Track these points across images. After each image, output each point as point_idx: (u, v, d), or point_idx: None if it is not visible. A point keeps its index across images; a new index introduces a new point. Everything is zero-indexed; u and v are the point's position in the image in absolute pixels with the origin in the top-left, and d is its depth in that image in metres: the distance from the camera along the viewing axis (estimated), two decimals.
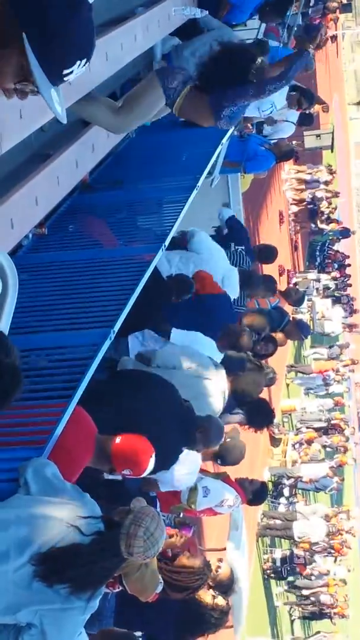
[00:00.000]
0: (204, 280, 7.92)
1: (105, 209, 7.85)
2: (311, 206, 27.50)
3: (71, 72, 2.36)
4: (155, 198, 8.04)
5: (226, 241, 9.52)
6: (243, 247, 9.80)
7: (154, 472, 5.64)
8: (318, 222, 28.30)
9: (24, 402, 4.76)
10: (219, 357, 7.40)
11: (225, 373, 7.11)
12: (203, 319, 7.65)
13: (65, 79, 2.38)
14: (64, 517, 4.16)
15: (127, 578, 5.62)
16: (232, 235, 9.79)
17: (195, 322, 7.51)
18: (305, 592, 22.92)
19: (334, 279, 29.42)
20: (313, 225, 28.38)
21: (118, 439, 5.05)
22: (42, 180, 5.86)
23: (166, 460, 6.06)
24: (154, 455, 5.14)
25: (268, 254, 10.90)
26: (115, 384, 6.30)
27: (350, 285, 31.98)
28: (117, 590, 5.60)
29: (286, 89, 9.82)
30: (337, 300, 30.30)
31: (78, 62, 2.36)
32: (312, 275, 28.25)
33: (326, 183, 28.03)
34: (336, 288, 30.65)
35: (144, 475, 5.24)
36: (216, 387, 6.96)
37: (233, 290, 8.60)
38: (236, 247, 9.60)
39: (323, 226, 28.65)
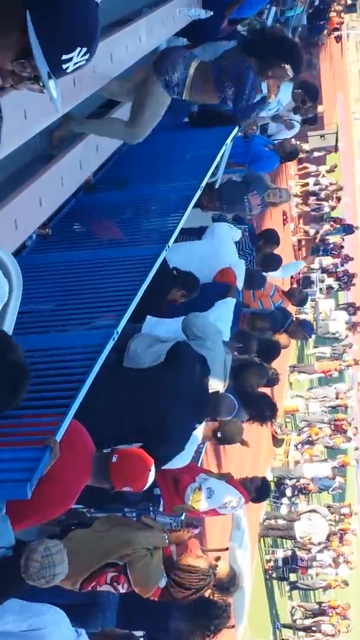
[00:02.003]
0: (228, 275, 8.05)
1: (109, 210, 7.85)
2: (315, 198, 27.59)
3: (70, 59, 2.34)
4: (159, 198, 8.04)
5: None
6: (246, 227, 9.86)
7: (171, 458, 5.79)
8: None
9: (27, 402, 4.78)
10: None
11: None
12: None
13: (64, 66, 2.36)
14: None
15: (131, 567, 5.65)
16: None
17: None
18: (306, 622, 23.02)
19: (334, 266, 29.24)
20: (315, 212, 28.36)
21: (114, 458, 5.04)
22: (46, 180, 5.87)
23: (182, 442, 6.24)
24: (153, 468, 5.14)
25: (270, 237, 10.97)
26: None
27: (354, 285, 31.91)
28: (122, 584, 5.61)
29: (291, 86, 9.86)
30: (342, 308, 30.35)
31: (78, 49, 2.34)
32: (316, 263, 28.12)
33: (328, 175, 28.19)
34: (340, 288, 30.60)
35: (146, 488, 5.24)
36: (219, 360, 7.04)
37: (239, 281, 8.67)
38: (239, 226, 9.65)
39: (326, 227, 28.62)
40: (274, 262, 10.57)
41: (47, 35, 2.29)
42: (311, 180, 27.31)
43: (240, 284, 8.73)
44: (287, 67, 6.67)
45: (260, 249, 10.33)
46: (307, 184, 27.19)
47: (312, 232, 27.84)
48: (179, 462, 6.70)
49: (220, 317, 7.65)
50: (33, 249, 6.83)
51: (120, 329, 5.56)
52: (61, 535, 5.69)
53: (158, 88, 6.59)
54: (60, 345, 5.56)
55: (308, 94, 10.40)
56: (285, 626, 22.48)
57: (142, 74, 6.76)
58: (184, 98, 6.75)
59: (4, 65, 2.35)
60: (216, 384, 6.85)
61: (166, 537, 5.99)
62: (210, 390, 6.61)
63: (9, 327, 4.07)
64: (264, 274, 10.35)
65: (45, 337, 5.67)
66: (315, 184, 27.35)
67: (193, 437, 6.69)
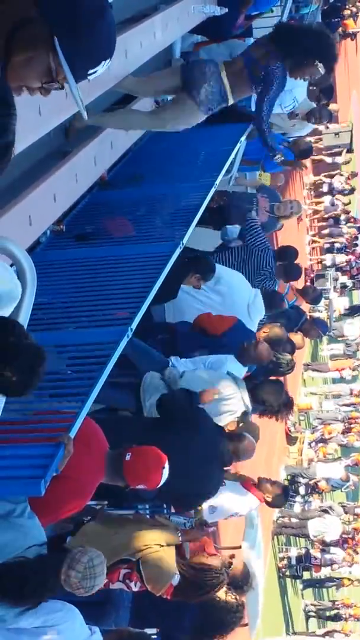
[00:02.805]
0: (206, 321, 7.95)
1: (124, 206, 7.84)
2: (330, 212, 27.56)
3: (95, 72, 2.51)
4: (173, 195, 8.03)
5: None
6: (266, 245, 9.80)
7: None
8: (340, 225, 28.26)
9: (41, 398, 4.79)
10: (242, 371, 7.56)
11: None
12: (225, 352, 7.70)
13: (89, 77, 2.52)
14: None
15: (144, 563, 5.65)
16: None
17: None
18: (319, 632, 23.01)
19: (348, 263, 29.10)
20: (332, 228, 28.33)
21: (128, 456, 5.04)
22: (61, 177, 5.87)
23: (212, 492, 6.55)
24: (167, 465, 5.13)
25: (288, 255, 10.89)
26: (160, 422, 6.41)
27: None
28: (135, 582, 5.60)
29: (306, 83, 9.80)
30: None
31: (102, 62, 2.51)
32: (328, 259, 28.02)
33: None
34: (354, 286, 30.50)
35: (160, 484, 5.24)
36: (238, 404, 7.06)
37: (259, 313, 8.61)
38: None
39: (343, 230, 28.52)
40: (295, 272, 10.52)
41: (75, 57, 2.44)
42: (326, 199, 27.23)
43: (261, 313, 8.69)
44: (320, 65, 6.57)
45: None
46: (321, 203, 27.12)
47: (328, 262, 27.76)
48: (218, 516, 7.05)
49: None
50: (47, 245, 6.83)
51: (134, 325, 5.55)
52: (74, 530, 5.69)
53: (194, 110, 6.57)
54: (74, 342, 5.56)
55: (323, 91, 10.35)
56: (297, 633, 22.45)
57: (166, 82, 6.72)
58: (230, 104, 6.70)
59: (34, 84, 2.50)
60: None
61: (179, 534, 5.98)
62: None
63: (23, 323, 4.06)
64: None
65: (59, 334, 5.67)
66: (331, 204, 27.29)
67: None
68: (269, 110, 6.94)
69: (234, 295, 8.36)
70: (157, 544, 5.76)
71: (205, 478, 6.36)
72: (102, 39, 2.49)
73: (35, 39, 2.43)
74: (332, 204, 27.52)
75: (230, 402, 7.00)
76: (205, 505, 7.23)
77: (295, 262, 10.53)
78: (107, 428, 5.28)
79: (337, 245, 27.89)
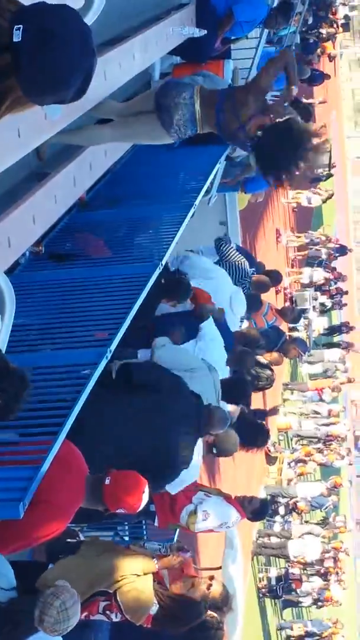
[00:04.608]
0: (201, 294, 8.02)
1: (103, 227, 7.84)
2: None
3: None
4: (153, 216, 8.04)
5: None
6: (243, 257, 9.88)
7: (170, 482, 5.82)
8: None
9: (18, 422, 4.77)
10: (225, 372, 7.68)
11: None
12: None
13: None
14: None
15: (121, 594, 5.61)
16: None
17: None
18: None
19: (327, 282, 29.20)
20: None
21: (107, 480, 5.00)
22: (40, 198, 5.86)
23: (186, 461, 6.40)
24: (147, 489, 5.11)
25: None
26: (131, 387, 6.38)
27: (345, 305, 31.92)
28: (115, 613, 5.57)
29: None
30: (334, 346, 30.35)
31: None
32: (306, 275, 28.11)
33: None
34: (332, 307, 30.59)
35: (139, 511, 5.22)
36: (210, 384, 7.08)
37: (241, 309, 8.69)
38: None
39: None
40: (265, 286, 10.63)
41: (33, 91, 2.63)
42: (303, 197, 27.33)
43: (242, 309, 8.76)
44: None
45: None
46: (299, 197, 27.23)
47: (305, 279, 27.91)
48: (178, 487, 6.77)
49: (213, 338, 7.69)
50: (26, 267, 6.82)
51: (113, 347, 5.54)
52: (48, 562, 5.66)
53: (165, 136, 6.53)
54: (52, 363, 5.54)
55: (301, 113, 10.36)
56: None
57: (142, 105, 6.70)
58: (198, 132, 6.66)
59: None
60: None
61: (155, 562, 5.96)
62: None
63: (2, 344, 4.06)
64: None
65: (37, 355, 5.65)
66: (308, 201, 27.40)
67: (194, 465, 6.74)
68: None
69: (219, 287, 8.48)
70: (133, 573, 5.73)
71: (177, 440, 6.29)
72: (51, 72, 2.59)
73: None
74: (309, 201, 27.63)
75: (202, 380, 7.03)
76: (199, 511, 7.22)
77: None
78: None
79: (316, 254, 27.99)
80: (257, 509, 7.87)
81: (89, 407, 5.05)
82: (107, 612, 5.57)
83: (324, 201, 28.25)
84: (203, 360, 7.22)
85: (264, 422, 8.90)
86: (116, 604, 5.59)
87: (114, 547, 6.22)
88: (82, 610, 5.47)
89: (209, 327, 7.74)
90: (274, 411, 21.27)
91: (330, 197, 28.59)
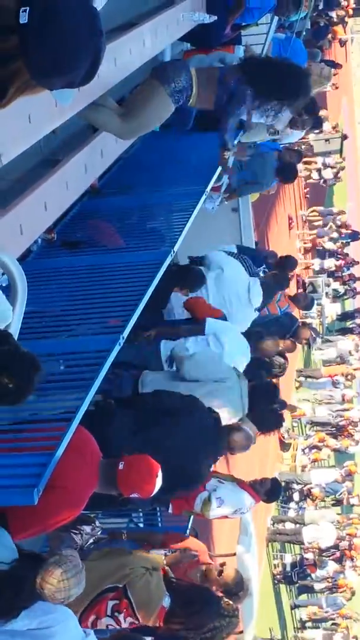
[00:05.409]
0: (196, 304, 7.94)
1: (115, 214, 7.84)
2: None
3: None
4: (165, 203, 8.03)
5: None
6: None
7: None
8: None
9: (33, 408, 4.78)
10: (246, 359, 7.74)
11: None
12: None
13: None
14: None
15: (131, 588, 5.60)
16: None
17: None
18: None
19: (339, 269, 29.14)
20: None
21: (121, 465, 5.01)
22: (52, 185, 5.85)
23: (199, 481, 6.61)
24: (160, 473, 5.11)
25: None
26: (142, 412, 6.35)
27: (359, 293, 31.84)
28: (124, 613, 5.55)
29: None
30: (348, 331, 30.32)
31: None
32: (317, 263, 28.09)
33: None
34: (345, 293, 30.53)
35: (154, 494, 5.22)
36: (236, 394, 7.08)
37: (258, 299, 8.68)
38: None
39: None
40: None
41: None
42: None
43: (259, 299, 8.75)
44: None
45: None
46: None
47: (317, 266, 27.90)
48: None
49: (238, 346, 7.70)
50: (39, 254, 6.82)
51: (126, 333, 5.54)
52: None
53: (163, 95, 6.49)
54: (65, 350, 5.55)
55: (306, 105, 10.30)
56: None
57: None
58: (189, 104, 6.65)
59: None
60: (236, 415, 7.04)
61: (163, 557, 6.01)
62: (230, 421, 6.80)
63: (14, 332, 4.06)
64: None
65: (50, 342, 5.66)
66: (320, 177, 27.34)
67: None
68: (234, 131, 6.93)
69: (232, 282, 8.48)
70: (142, 566, 5.74)
71: (198, 460, 6.33)
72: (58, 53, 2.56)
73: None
74: (321, 177, 27.59)
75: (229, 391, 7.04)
76: (213, 498, 7.24)
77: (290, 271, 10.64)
78: (97, 419, 5.29)
79: (326, 245, 27.98)
80: (270, 489, 7.88)
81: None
82: (116, 613, 5.55)
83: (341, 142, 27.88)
84: (234, 369, 7.24)
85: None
86: (126, 600, 5.57)
87: (118, 550, 6.23)
88: (89, 611, 5.50)
89: (213, 324, 7.72)
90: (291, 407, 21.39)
91: (344, 138, 28.23)
